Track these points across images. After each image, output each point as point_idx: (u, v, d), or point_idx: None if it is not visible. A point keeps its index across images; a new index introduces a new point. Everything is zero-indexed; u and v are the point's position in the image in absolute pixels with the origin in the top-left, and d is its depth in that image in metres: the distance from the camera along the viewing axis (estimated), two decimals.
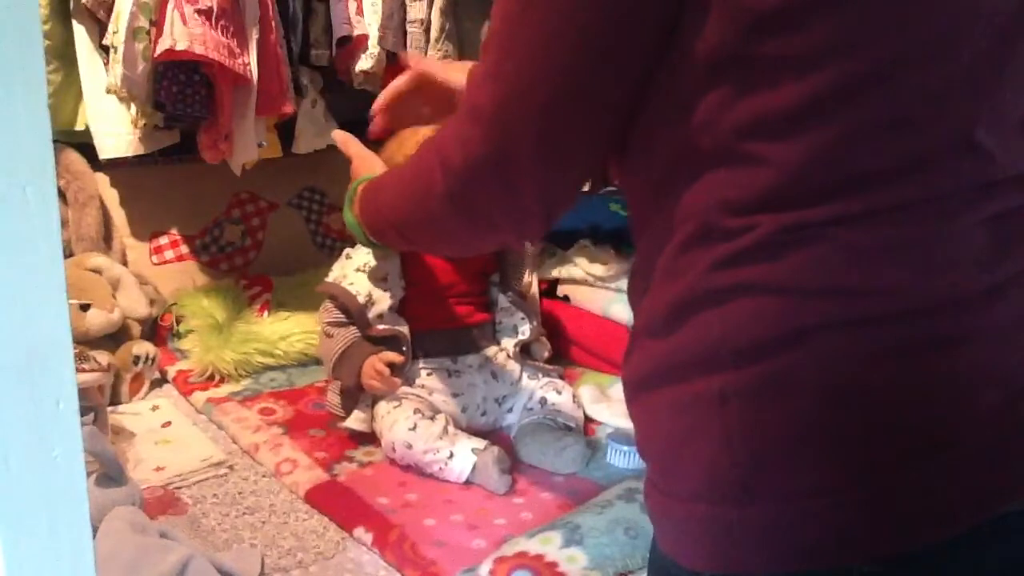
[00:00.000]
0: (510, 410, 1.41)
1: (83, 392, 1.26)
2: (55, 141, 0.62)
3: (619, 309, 1.60)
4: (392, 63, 1.76)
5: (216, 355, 1.56)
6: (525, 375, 1.42)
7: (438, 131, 0.71)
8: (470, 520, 1.15)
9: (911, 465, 0.55)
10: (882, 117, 0.55)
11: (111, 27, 1.50)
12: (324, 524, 1.16)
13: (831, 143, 0.55)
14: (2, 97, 0.37)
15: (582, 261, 1.74)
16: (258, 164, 1.72)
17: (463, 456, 1.23)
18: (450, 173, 0.68)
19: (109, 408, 1.40)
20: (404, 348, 1.34)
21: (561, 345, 1.64)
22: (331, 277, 1.39)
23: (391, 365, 1.30)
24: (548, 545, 1.04)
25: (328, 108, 1.83)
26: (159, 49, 1.44)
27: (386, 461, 1.30)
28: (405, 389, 1.34)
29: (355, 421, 1.35)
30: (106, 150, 1.61)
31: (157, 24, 1.45)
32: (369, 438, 1.35)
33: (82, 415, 0.95)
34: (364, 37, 1.72)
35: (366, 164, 1.13)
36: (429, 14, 1.71)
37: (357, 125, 1.19)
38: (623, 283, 1.43)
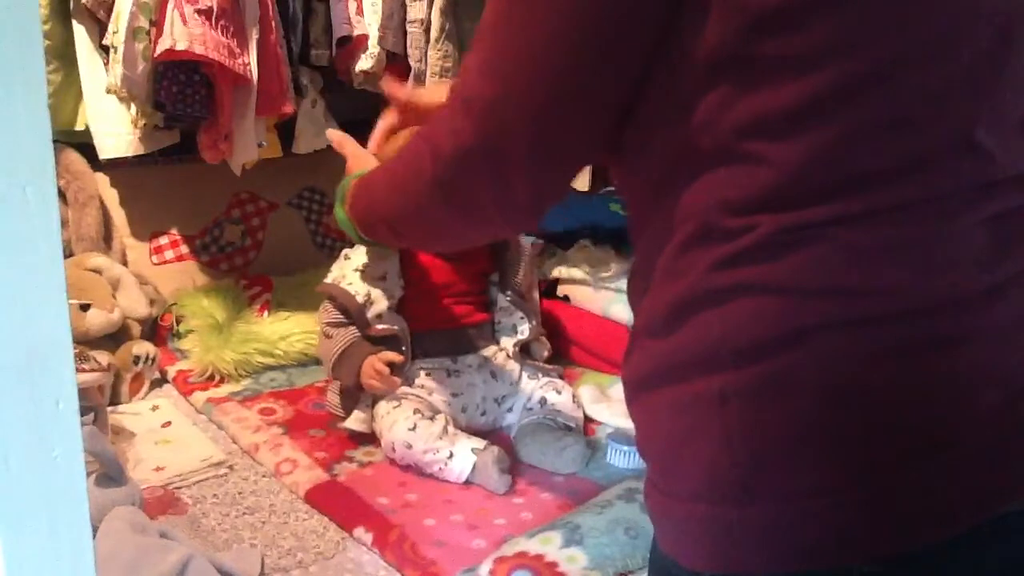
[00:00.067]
0: (510, 410, 1.41)
1: (83, 392, 1.26)
2: (55, 141, 0.62)
3: (619, 309, 1.60)
4: (392, 63, 1.76)
5: (216, 355, 1.56)
6: (525, 375, 1.42)
7: (429, 120, 0.72)
8: (470, 520, 1.15)
9: (911, 465, 0.55)
10: (882, 117, 0.55)
11: (111, 27, 1.50)
12: (324, 524, 1.16)
13: (831, 143, 0.55)
14: (2, 97, 0.37)
15: (582, 261, 1.74)
16: (258, 164, 1.72)
17: (463, 456, 1.23)
18: (439, 161, 0.68)
19: (109, 408, 1.40)
20: (403, 348, 1.34)
21: (561, 345, 1.64)
22: (330, 278, 1.39)
23: (391, 365, 1.30)
24: (548, 545, 1.04)
25: (328, 108, 1.83)
26: (159, 49, 1.44)
27: (386, 461, 1.30)
28: (404, 389, 1.34)
29: (355, 421, 1.35)
30: (106, 150, 1.61)
31: (157, 24, 1.45)
32: (369, 438, 1.35)
33: (82, 415, 0.95)
34: (364, 37, 1.72)
35: (360, 163, 1.13)
36: (429, 14, 1.71)
37: (357, 125, 1.20)
38: (623, 283, 1.44)
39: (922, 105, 0.55)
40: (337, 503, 1.19)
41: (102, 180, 1.77)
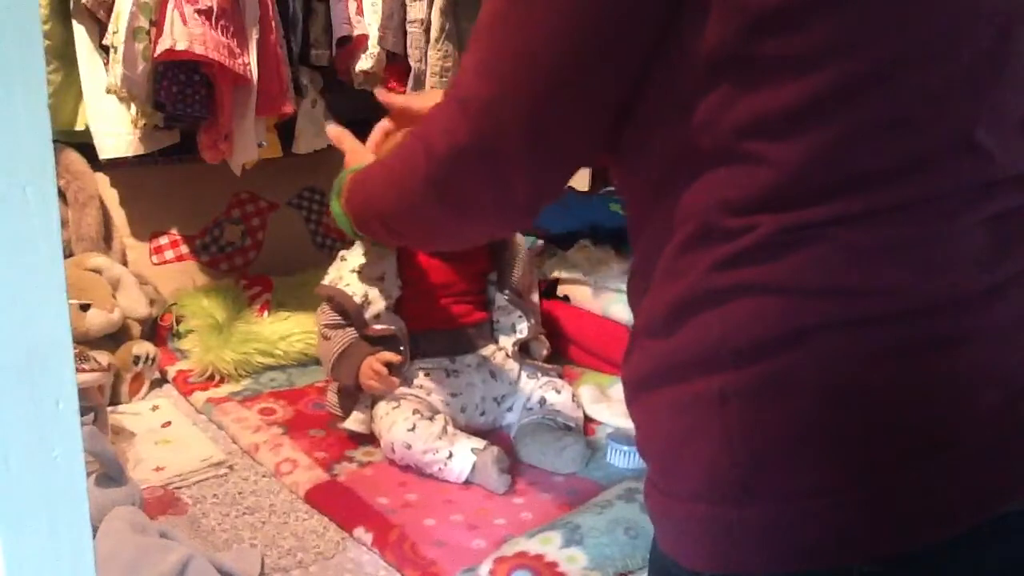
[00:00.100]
0: (509, 409, 1.41)
1: (83, 392, 1.26)
2: (55, 141, 0.62)
3: (619, 309, 1.60)
4: (392, 63, 1.76)
5: (216, 355, 1.56)
6: (524, 374, 1.42)
7: (425, 119, 0.72)
8: (470, 520, 1.15)
9: (911, 465, 0.55)
10: (882, 117, 0.55)
11: (111, 27, 1.50)
12: (324, 524, 1.16)
13: (831, 143, 0.55)
14: (2, 97, 0.37)
15: (582, 261, 1.74)
16: (258, 164, 1.72)
17: (462, 456, 1.23)
18: (433, 160, 0.68)
19: (109, 408, 1.40)
20: (402, 348, 1.34)
21: (561, 345, 1.64)
22: (327, 280, 1.39)
23: (389, 365, 1.30)
24: (548, 545, 1.04)
25: (328, 108, 1.83)
26: (159, 49, 1.44)
27: (386, 461, 1.30)
28: (404, 390, 1.34)
29: (354, 422, 1.35)
30: (106, 150, 1.61)
31: (157, 24, 1.45)
32: (369, 438, 1.35)
33: (82, 415, 0.95)
34: (364, 37, 1.72)
35: (358, 158, 1.13)
36: (429, 14, 1.71)
37: (357, 125, 1.20)
38: (623, 283, 1.44)
39: (922, 105, 0.55)
40: (337, 503, 1.19)
41: (102, 180, 1.77)
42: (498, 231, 0.90)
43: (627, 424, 1.22)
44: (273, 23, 1.58)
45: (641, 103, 0.61)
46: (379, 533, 1.11)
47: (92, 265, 1.57)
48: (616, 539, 1.05)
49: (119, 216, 1.81)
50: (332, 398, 1.38)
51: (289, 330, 1.65)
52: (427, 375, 1.37)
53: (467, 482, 1.24)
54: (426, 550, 1.07)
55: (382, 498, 1.20)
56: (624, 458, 1.28)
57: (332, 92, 1.84)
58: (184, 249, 1.88)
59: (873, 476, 0.55)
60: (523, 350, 1.45)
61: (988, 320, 0.57)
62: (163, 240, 1.86)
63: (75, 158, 1.68)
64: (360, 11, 1.71)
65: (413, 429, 1.26)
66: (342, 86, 1.81)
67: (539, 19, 0.59)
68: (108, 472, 1.07)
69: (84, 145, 1.66)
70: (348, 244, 1.44)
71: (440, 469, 1.24)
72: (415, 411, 1.29)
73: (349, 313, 1.34)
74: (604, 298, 1.65)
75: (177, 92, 1.51)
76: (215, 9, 1.45)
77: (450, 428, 1.29)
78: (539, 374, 1.42)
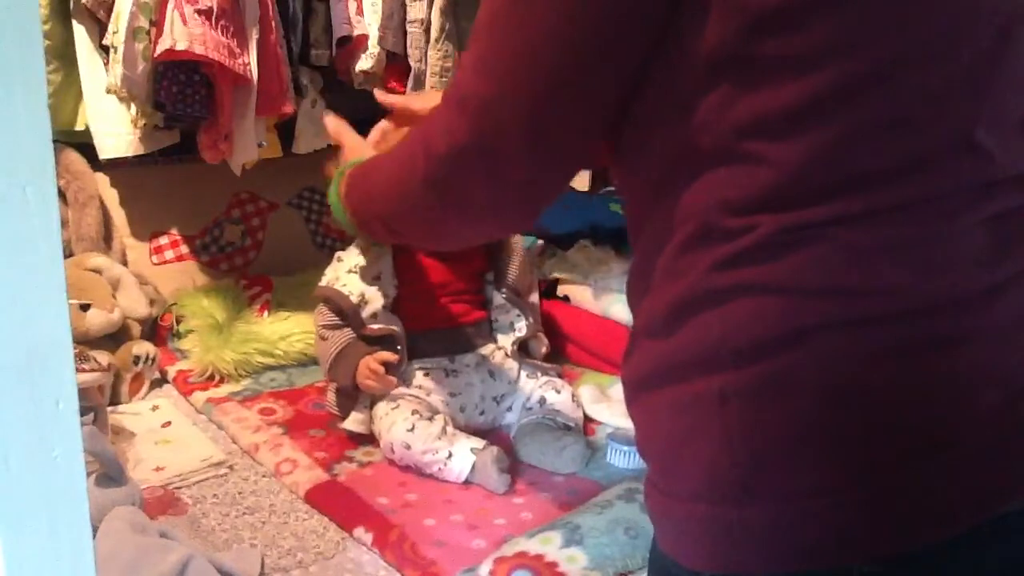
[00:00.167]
0: (509, 409, 1.41)
1: (83, 392, 1.26)
2: (55, 141, 0.62)
3: (619, 309, 1.60)
4: (392, 63, 1.76)
5: (216, 355, 1.56)
6: (523, 374, 1.42)
7: (426, 118, 0.71)
8: (470, 520, 1.15)
9: (911, 465, 0.55)
10: (882, 117, 0.55)
11: (111, 27, 1.50)
12: (324, 524, 1.16)
13: (831, 143, 0.55)
14: (2, 97, 0.37)
15: (582, 261, 1.74)
16: (258, 164, 1.72)
17: (462, 456, 1.23)
18: (433, 160, 0.68)
19: (109, 408, 1.40)
20: (399, 347, 1.34)
21: (560, 345, 1.64)
22: (324, 281, 1.39)
23: (386, 364, 1.30)
24: (548, 545, 1.04)
25: (328, 108, 1.83)
26: (159, 49, 1.44)
27: (386, 461, 1.30)
28: (403, 390, 1.34)
29: (353, 422, 1.35)
30: (106, 150, 1.61)
31: (157, 24, 1.45)
32: (369, 438, 1.35)
33: (82, 415, 0.95)
34: (364, 37, 1.72)
35: (356, 151, 1.12)
36: (429, 14, 1.71)
37: (357, 125, 1.19)
38: (623, 283, 1.45)
39: (922, 105, 0.55)
40: (337, 503, 1.19)
41: (102, 180, 1.77)
42: (498, 232, 0.90)
43: (627, 424, 1.21)
44: (273, 23, 1.58)
45: (641, 103, 0.61)
46: (379, 533, 1.11)
47: (92, 265, 1.57)
48: (616, 539, 1.05)
49: (119, 216, 1.81)
50: (331, 398, 1.38)
51: (289, 330, 1.65)
52: (426, 375, 1.37)
53: (467, 482, 1.23)
54: (426, 550, 1.07)
55: (382, 498, 1.20)
56: (624, 458, 1.28)
57: (332, 92, 1.84)
58: (184, 249, 1.88)
59: (873, 476, 0.55)
60: (522, 349, 1.44)
61: (988, 320, 0.57)
62: (163, 240, 1.86)
63: (75, 158, 1.68)
64: (360, 11, 1.71)
65: (412, 429, 1.26)
66: (342, 86, 1.81)
67: (539, 18, 0.59)
68: (108, 472, 1.07)
69: (84, 145, 1.66)
70: (347, 244, 1.44)
71: (440, 469, 1.24)
72: (414, 411, 1.29)
73: (346, 313, 1.34)
74: (604, 298, 1.65)
75: (177, 92, 1.51)
76: (215, 9, 1.45)
77: (449, 428, 1.29)
78: (539, 374, 1.42)
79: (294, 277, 1.85)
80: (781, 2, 0.53)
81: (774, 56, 0.54)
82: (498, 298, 1.44)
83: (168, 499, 1.19)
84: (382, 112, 1.14)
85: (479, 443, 1.25)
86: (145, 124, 1.57)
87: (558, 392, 1.39)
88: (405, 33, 1.74)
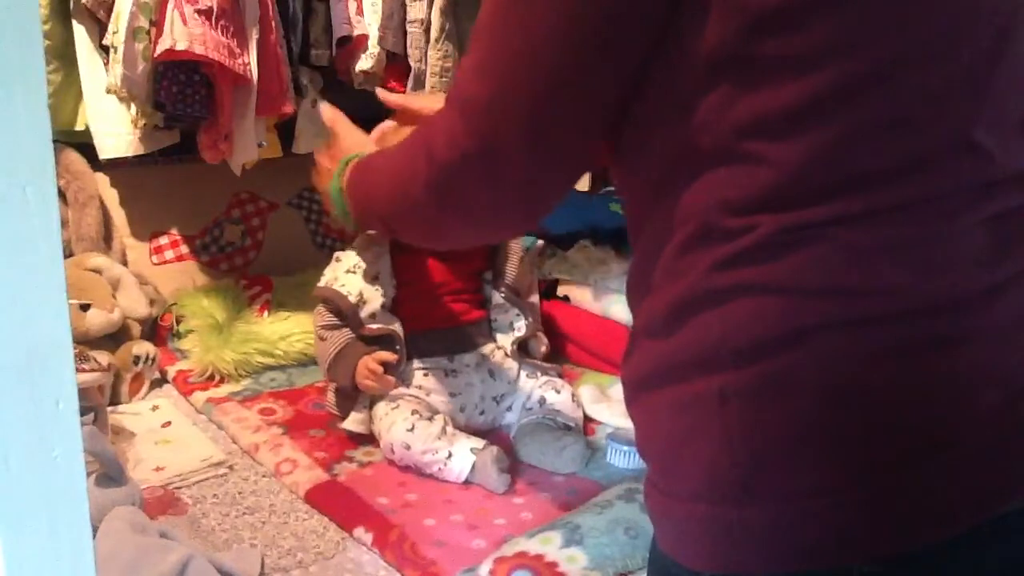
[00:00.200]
0: (509, 409, 1.41)
1: (83, 392, 1.26)
2: (55, 141, 0.62)
3: (619, 309, 1.60)
4: (392, 63, 1.76)
5: (216, 355, 1.56)
6: (523, 374, 1.42)
7: (428, 119, 0.72)
8: (470, 520, 1.15)
9: (911, 465, 0.55)
10: (882, 117, 0.55)
11: (111, 27, 1.50)
12: (324, 524, 1.16)
13: (831, 143, 0.55)
14: (2, 97, 0.37)
15: (582, 261, 1.74)
16: (258, 164, 1.72)
17: (462, 456, 1.23)
18: (434, 163, 0.68)
19: (109, 408, 1.40)
20: (398, 347, 1.34)
21: (560, 345, 1.64)
22: (323, 281, 1.39)
23: (385, 364, 1.30)
24: (548, 545, 1.04)
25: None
26: (159, 49, 1.44)
27: (386, 461, 1.30)
28: (402, 390, 1.34)
29: (353, 423, 1.35)
30: (106, 150, 1.61)
31: (157, 24, 1.45)
32: (369, 438, 1.35)
33: (82, 415, 0.95)
34: (364, 37, 1.72)
35: (352, 139, 1.12)
36: (429, 14, 1.71)
37: (357, 125, 1.20)
38: (623, 283, 1.45)
39: (922, 105, 0.55)
40: (337, 503, 1.19)
41: (102, 180, 1.77)
42: (500, 235, 0.90)
43: (627, 424, 1.21)
44: (273, 23, 1.58)
45: (641, 103, 0.61)
46: (379, 533, 1.11)
47: (92, 265, 1.57)
48: (616, 539, 1.05)
49: (119, 216, 1.81)
50: (331, 398, 1.38)
51: (289, 330, 1.65)
52: (426, 375, 1.37)
53: (467, 482, 1.23)
54: (426, 550, 1.07)
55: (382, 498, 1.20)
56: (624, 458, 1.28)
57: (332, 92, 1.83)
58: (184, 249, 1.88)
59: (873, 476, 0.55)
60: (522, 349, 1.44)
61: (988, 320, 0.57)
62: (163, 240, 1.86)
63: (75, 158, 1.68)
64: (360, 11, 1.71)
65: (412, 429, 1.26)
66: (342, 86, 1.81)
67: (539, 18, 0.59)
68: (108, 472, 1.07)
69: (84, 145, 1.66)
70: (346, 244, 1.44)
71: (440, 469, 1.24)
72: (414, 411, 1.29)
73: (345, 314, 1.34)
74: (604, 298, 1.65)
75: (177, 92, 1.51)
76: (215, 9, 1.45)
77: (449, 428, 1.29)
78: (538, 374, 1.42)
79: (294, 277, 1.85)
80: (781, 2, 0.53)
81: (774, 56, 0.54)
82: (497, 297, 1.44)
83: (168, 499, 1.19)
84: (382, 112, 1.14)
85: (479, 443, 1.25)
86: (145, 124, 1.57)
87: (558, 392, 1.39)
88: (405, 33, 1.74)
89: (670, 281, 0.60)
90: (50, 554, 0.42)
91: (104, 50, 1.55)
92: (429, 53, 1.72)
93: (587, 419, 1.42)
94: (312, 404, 1.49)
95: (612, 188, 1.90)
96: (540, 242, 1.87)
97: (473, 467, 1.23)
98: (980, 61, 0.56)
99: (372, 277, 1.36)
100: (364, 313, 1.34)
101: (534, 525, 1.12)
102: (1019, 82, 0.59)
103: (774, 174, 0.55)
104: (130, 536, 0.97)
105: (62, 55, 1.60)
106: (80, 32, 1.58)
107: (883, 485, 0.55)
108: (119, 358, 1.49)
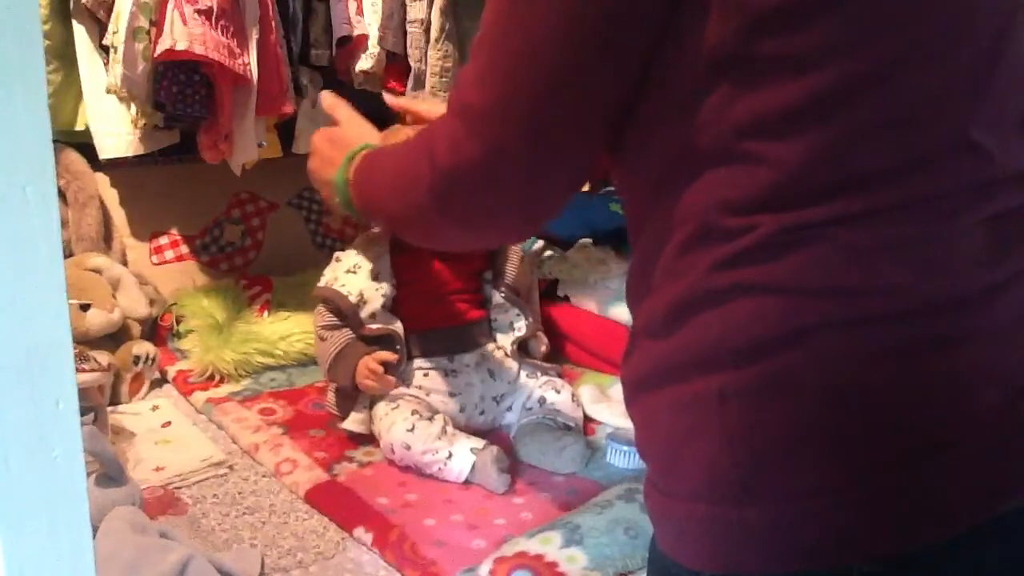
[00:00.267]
0: (509, 409, 1.41)
1: (83, 392, 1.26)
2: (55, 141, 0.62)
3: (619, 309, 1.60)
4: (392, 63, 1.76)
5: (216, 355, 1.56)
6: (523, 374, 1.42)
7: (432, 123, 0.72)
8: (470, 520, 1.15)
9: (911, 465, 0.55)
10: (882, 117, 0.55)
11: (111, 27, 1.50)
12: (324, 524, 1.16)
13: (831, 143, 0.55)
14: (2, 97, 0.37)
15: (582, 261, 1.74)
16: (258, 164, 1.72)
17: (462, 456, 1.23)
18: (437, 169, 0.68)
19: (109, 408, 1.40)
20: (398, 347, 1.34)
21: (560, 345, 1.64)
22: (323, 281, 1.39)
23: (385, 364, 1.30)
24: (548, 545, 1.04)
25: None
26: (159, 49, 1.44)
27: (386, 461, 1.30)
28: (402, 390, 1.34)
29: (353, 423, 1.35)
30: (106, 150, 1.61)
31: (157, 24, 1.45)
32: (369, 438, 1.35)
33: (82, 415, 0.95)
34: (364, 37, 1.72)
35: (353, 126, 1.11)
36: (429, 14, 1.71)
37: None
38: (623, 283, 1.45)
39: (922, 105, 0.55)
40: (337, 503, 1.19)
41: (102, 180, 1.77)
42: (501, 239, 0.90)
43: (627, 424, 1.22)
44: (273, 23, 1.58)
45: (641, 103, 0.61)
46: (379, 533, 1.11)
47: (92, 265, 1.57)
48: (616, 539, 1.05)
49: (119, 216, 1.81)
50: (331, 398, 1.38)
51: (289, 330, 1.65)
52: (426, 375, 1.37)
53: (467, 482, 1.23)
54: (426, 550, 1.07)
55: (382, 498, 1.20)
56: (624, 458, 1.28)
57: (332, 92, 1.83)
58: (184, 249, 1.88)
59: (873, 476, 0.55)
60: (522, 349, 1.44)
61: (988, 320, 0.57)
62: (163, 240, 1.86)
63: (75, 158, 1.68)
64: (360, 11, 1.71)
65: (412, 429, 1.26)
66: (342, 86, 1.81)
67: (539, 18, 0.59)
68: (108, 472, 1.07)
69: (84, 145, 1.66)
70: (346, 244, 1.44)
71: (440, 469, 1.24)
72: (414, 411, 1.29)
73: (345, 313, 1.34)
74: (604, 298, 1.65)
75: (177, 92, 1.51)
76: (215, 9, 1.45)
77: (449, 428, 1.29)
78: (539, 373, 1.42)
79: (294, 277, 1.85)
80: (781, 2, 0.53)
81: (774, 56, 0.54)
82: (497, 297, 1.44)
83: (168, 499, 1.19)
84: (382, 112, 1.13)
85: (479, 443, 1.25)
86: (145, 124, 1.57)
87: (558, 392, 1.39)
88: (405, 33, 1.74)
89: (670, 281, 0.60)
90: (50, 554, 0.42)
91: (104, 50, 1.55)
92: (429, 53, 1.72)
93: (587, 419, 1.42)
94: (312, 404, 1.49)
95: (612, 188, 1.90)
96: (540, 242, 1.88)
97: (473, 467, 1.23)
98: (980, 61, 0.56)
99: (372, 277, 1.36)
100: (364, 313, 1.34)
101: (534, 525, 1.12)
102: (1019, 82, 0.59)
103: (774, 174, 0.55)
104: (130, 536, 0.97)
105: (62, 55, 1.60)
106: (80, 32, 1.58)
107: (883, 485, 0.55)
108: (119, 358, 1.49)
